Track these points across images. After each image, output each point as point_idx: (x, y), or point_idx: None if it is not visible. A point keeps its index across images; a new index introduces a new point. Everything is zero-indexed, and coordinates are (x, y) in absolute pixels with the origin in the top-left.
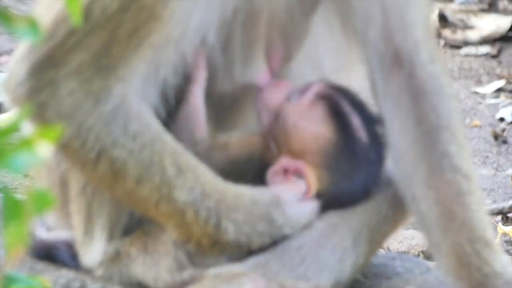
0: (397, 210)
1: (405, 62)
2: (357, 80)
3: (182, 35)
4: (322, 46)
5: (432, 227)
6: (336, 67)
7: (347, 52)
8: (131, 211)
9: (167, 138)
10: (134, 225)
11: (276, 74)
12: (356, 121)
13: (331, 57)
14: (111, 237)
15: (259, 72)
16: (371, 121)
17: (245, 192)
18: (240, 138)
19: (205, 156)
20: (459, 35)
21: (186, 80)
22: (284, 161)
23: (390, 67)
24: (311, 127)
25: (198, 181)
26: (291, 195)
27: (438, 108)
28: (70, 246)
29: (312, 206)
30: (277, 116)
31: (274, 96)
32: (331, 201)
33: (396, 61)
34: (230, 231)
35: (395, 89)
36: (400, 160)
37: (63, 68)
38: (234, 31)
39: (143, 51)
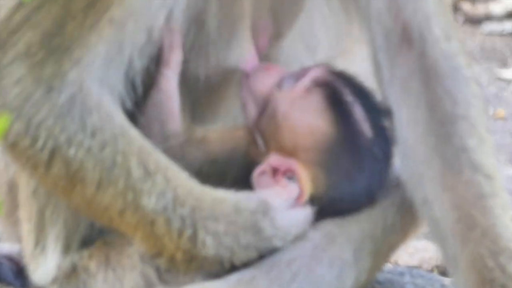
0: (406, 217)
1: (414, 39)
2: (359, 63)
3: (146, 8)
4: (318, 23)
5: (448, 237)
6: (334, 47)
7: (348, 29)
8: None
9: (133, 133)
10: (94, 235)
11: (264, 56)
12: (358, 112)
13: (329, 36)
14: (67, 249)
15: (243, 54)
16: (376, 111)
17: (226, 197)
18: (221, 132)
19: (178, 153)
20: (480, 9)
21: (156, 63)
22: (273, 160)
23: (397, 46)
24: (306, 118)
25: (170, 185)
26: (281, 201)
27: (454, 94)
28: (14, 261)
29: (305, 213)
30: (266, 106)
31: (263, 82)
32: (328, 206)
33: (404, 38)
34: (209, 244)
35: (403, 71)
36: (410, 156)
37: (9, 50)
38: (209, 4)
39: (102, 28)
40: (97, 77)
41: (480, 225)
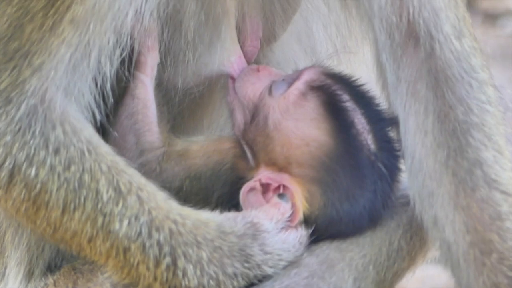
0: (414, 240)
1: (421, 37)
2: (362, 65)
3: (111, 6)
4: (315, 21)
5: (461, 262)
6: (333, 48)
7: (348, 28)
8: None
9: (103, 149)
10: (60, 260)
11: (255, 60)
12: (360, 120)
13: (327, 35)
14: (29, 275)
15: (228, 57)
16: (381, 120)
17: (209, 219)
18: (204, 144)
19: (156, 169)
20: (500, 3)
21: (128, 68)
22: (264, 175)
23: (402, 45)
24: (300, 128)
25: (144, 207)
26: (272, 222)
27: (467, 100)
28: None
29: (299, 235)
30: (255, 113)
31: (251, 87)
32: (326, 228)
33: (409, 37)
34: (190, 274)
35: (410, 74)
36: (418, 171)
37: None
38: (187, 4)
39: (64, 29)
40: (61, 86)
41: (496, 250)
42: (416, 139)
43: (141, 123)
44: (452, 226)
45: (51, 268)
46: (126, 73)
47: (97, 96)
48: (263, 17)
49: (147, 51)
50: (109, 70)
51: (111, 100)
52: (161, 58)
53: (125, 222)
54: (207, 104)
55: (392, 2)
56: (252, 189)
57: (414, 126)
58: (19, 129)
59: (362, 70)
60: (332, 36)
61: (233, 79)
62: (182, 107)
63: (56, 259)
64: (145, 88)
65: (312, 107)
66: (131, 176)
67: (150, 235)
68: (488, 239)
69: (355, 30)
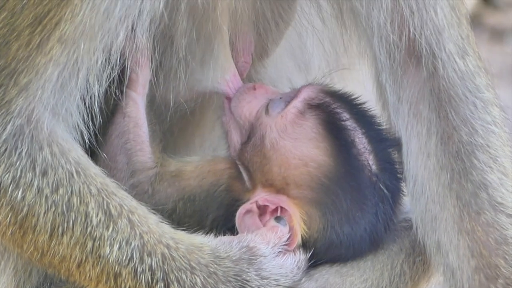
0: (417, 265)
1: (423, 56)
2: (357, 83)
3: (102, 25)
4: (309, 37)
5: None
6: (330, 65)
7: (345, 44)
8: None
9: (92, 170)
10: (48, 285)
11: (247, 77)
12: (361, 140)
13: (323, 51)
14: None
15: (222, 74)
16: (382, 140)
17: (204, 243)
18: (198, 165)
19: (148, 190)
20: (507, 19)
21: (118, 86)
22: (261, 197)
23: (403, 64)
24: (299, 148)
25: (136, 231)
26: (269, 247)
27: (472, 121)
28: None
29: (297, 260)
30: (252, 133)
31: (247, 106)
32: (325, 252)
33: (411, 56)
34: None
35: (411, 94)
36: (421, 194)
37: None
38: (177, 18)
39: (51, 48)
40: (48, 106)
41: (503, 275)
42: (419, 162)
43: (133, 143)
44: (456, 251)
45: None
46: (116, 91)
47: (85, 116)
48: (255, 33)
49: (139, 68)
50: (97, 89)
51: (99, 119)
52: (152, 75)
53: (116, 247)
54: (199, 122)
55: (392, 20)
56: (248, 211)
57: (416, 148)
58: (5, 150)
59: (358, 88)
60: (328, 51)
61: (228, 98)
62: (172, 124)
63: (44, 284)
64: (136, 106)
65: (310, 126)
66: (122, 198)
67: (142, 260)
68: (494, 264)
69: (351, 47)
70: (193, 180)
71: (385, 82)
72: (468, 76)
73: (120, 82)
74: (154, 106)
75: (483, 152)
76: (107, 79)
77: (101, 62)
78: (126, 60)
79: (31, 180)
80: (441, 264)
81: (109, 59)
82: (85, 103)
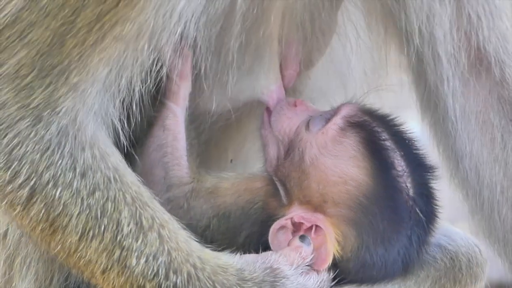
0: None
1: (490, 64)
2: (397, 94)
3: (163, 24)
4: (350, 49)
5: None
6: (369, 73)
7: (384, 53)
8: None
9: (129, 178)
10: None
11: (291, 84)
12: (400, 162)
13: (363, 59)
14: None
15: (268, 84)
16: (420, 164)
17: (229, 264)
18: (235, 182)
19: (183, 206)
20: None
21: (160, 93)
22: (297, 213)
23: (468, 73)
24: (339, 165)
25: (165, 246)
26: (292, 268)
27: None
28: None
29: (321, 280)
30: (291, 149)
31: (288, 121)
32: (356, 272)
33: (477, 64)
34: None
35: (478, 103)
36: (505, 202)
37: None
38: (231, 25)
39: (106, 46)
40: (93, 108)
41: None
42: (495, 170)
43: (170, 156)
44: None
45: None
46: (156, 102)
47: (124, 121)
48: (303, 41)
49: (180, 79)
50: (138, 93)
51: (138, 126)
52: (196, 83)
53: (143, 260)
54: (239, 137)
55: (458, 27)
56: (282, 227)
57: (491, 157)
58: (48, 148)
59: (398, 99)
60: (368, 59)
61: (268, 111)
62: (212, 140)
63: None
64: (176, 119)
65: (351, 144)
66: (154, 210)
67: (167, 276)
68: None
69: (391, 58)
70: (229, 198)
71: (446, 91)
72: None
73: (158, 89)
74: (194, 117)
75: None
76: (150, 84)
77: (148, 64)
78: (168, 70)
79: (70, 180)
80: None
81: (154, 63)
82: (124, 108)
